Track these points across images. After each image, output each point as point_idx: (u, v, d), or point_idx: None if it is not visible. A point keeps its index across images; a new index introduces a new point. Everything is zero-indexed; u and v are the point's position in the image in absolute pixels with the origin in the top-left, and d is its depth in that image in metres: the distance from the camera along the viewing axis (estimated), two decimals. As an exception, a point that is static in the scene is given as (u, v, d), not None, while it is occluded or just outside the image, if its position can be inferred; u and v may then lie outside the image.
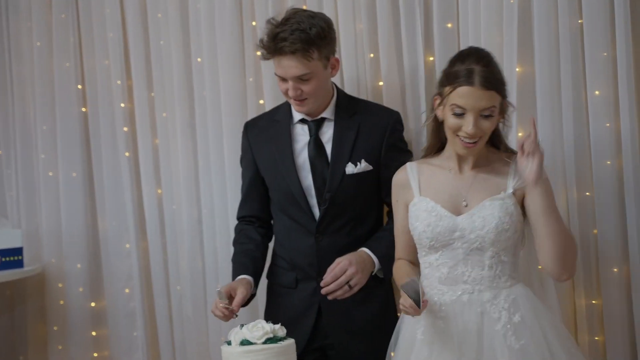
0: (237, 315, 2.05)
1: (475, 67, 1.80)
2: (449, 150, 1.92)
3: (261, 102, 2.57)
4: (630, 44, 2.12)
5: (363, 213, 2.20)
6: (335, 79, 2.45)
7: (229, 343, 1.72)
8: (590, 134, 2.18)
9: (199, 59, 2.68)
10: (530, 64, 2.21)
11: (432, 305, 1.85)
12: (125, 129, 2.84)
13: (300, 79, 2.07)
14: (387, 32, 2.43)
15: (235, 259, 2.25)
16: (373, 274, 2.11)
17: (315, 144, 2.18)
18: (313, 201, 2.17)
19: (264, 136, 2.25)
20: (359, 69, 2.50)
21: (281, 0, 2.56)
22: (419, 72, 2.39)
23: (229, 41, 2.61)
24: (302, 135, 2.21)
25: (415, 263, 2.00)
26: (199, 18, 2.69)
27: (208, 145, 2.64)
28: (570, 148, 2.18)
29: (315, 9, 2.44)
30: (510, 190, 1.86)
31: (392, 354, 1.95)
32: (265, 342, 1.68)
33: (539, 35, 2.20)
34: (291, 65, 2.05)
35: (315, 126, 2.19)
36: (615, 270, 2.16)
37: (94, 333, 2.93)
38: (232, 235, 2.39)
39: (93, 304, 2.91)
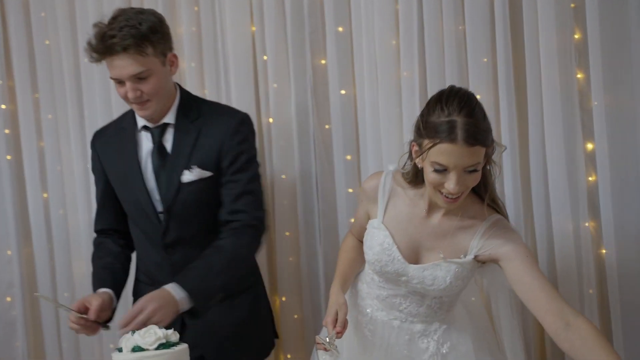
0: (108, 327, 1.90)
1: (457, 118, 1.58)
2: (425, 191, 1.75)
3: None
4: (509, 50, 2.17)
5: (213, 222, 2.02)
6: (231, 82, 2.43)
7: (120, 350, 1.63)
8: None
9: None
10: (422, 69, 2.23)
11: (362, 316, 1.83)
12: (7, 131, 2.71)
13: (138, 78, 1.88)
14: (275, 34, 2.42)
15: (94, 275, 2.06)
16: (181, 310, 1.89)
17: (159, 151, 2.00)
18: (162, 217, 2.02)
19: (111, 145, 2.09)
20: (253, 71, 2.47)
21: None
22: (307, 75, 2.40)
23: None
24: (146, 142, 2.03)
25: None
26: (86, 17, 2.58)
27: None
28: None
29: (207, 10, 2.43)
30: (471, 257, 1.72)
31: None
32: (157, 348, 1.59)
33: (428, 40, 2.23)
34: (125, 64, 1.86)
35: (159, 133, 2.00)
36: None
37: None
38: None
39: (-28, 314, 2.89)
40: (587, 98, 2.16)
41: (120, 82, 1.90)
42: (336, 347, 1.71)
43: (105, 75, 2.52)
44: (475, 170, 1.62)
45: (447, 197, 1.65)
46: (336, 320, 1.75)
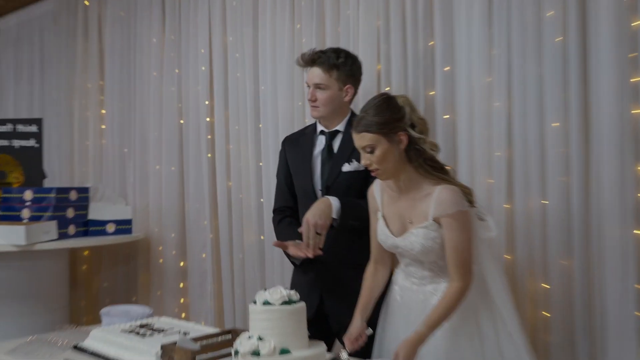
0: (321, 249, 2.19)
1: (359, 115, 1.93)
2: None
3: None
4: (580, 88, 2.23)
5: None
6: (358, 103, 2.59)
7: (255, 302, 1.77)
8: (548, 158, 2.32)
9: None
10: (509, 100, 2.40)
11: (396, 285, 2.06)
12: (209, 136, 3.30)
13: (319, 87, 2.34)
14: (398, 72, 2.68)
15: (285, 231, 2.38)
16: (333, 215, 2.20)
17: (328, 149, 2.40)
18: (320, 193, 2.35)
19: (294, 144, 2.51)
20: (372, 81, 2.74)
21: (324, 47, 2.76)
22: (420, 102, 2.62)
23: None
24: (319, 144, 2.42)
25: (385, 260, 2.10)
26: (265, 57, 3.07)
27: None
28: (522, 164, 2.38)
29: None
30: (431, 219, 1.89)
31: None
32: (282, 304, 1.73)
33: (516, 78, 2.37)
34: (315, 74, 2.35)
35: (329, 136, 2.40)
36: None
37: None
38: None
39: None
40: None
41: (309, 85, 2.37)
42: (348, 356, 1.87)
43: (274, 100, 3.07)
44: (372, 151, 1.87)
45: (372, 172, 1.91)
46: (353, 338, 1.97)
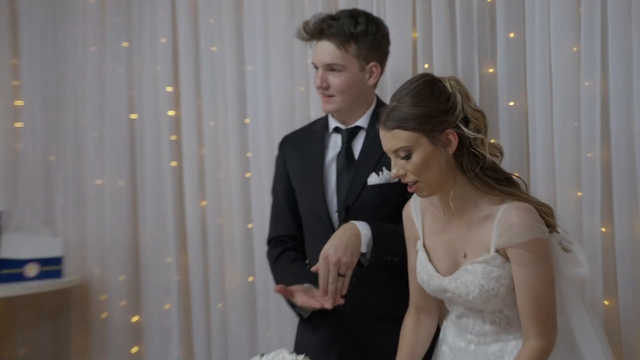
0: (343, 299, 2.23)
1: (389, 105, 1.95)
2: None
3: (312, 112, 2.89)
4: None
5: None
6: (387, 89, 2.78)
7: None
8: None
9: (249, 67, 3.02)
10: (605, 79, 2.52)
11: (444, 345, 2.14)
12: (173, 137, 3.36)
13: (331, 68, 2.37)
14: (442, 41, 2.74)
15: (291, 272, 2.43)
16: (362, 249, 2.24)
17: (346, 153, 2.42)
18: (335, 216, 2.40)
19: (298, 146, 2.53)
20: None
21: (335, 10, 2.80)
22: (474, 83, 2.70)
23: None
24: (334, 145, 2.47)
25: (430, 307, 2.17)
26: (253, 24, 3.14)
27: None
28: (624, 170, 2.50)
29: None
30: (493, 251, 1.92)
31: None
32: None
33: (613, 47, 2.49)
34: (325, 51, 2.37)
35: (348, 135, 2.43)
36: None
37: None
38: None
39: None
40: None
41: (316, 67, 2.39)
42: None
43: (266, 83, 3.08)
44: (408, 156, 1.91)
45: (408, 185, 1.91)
46: None
